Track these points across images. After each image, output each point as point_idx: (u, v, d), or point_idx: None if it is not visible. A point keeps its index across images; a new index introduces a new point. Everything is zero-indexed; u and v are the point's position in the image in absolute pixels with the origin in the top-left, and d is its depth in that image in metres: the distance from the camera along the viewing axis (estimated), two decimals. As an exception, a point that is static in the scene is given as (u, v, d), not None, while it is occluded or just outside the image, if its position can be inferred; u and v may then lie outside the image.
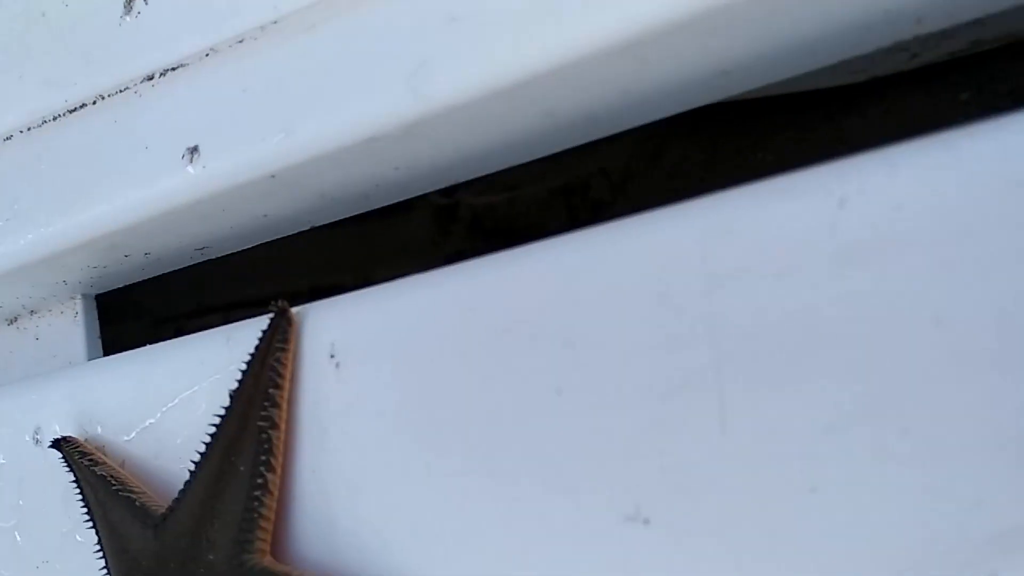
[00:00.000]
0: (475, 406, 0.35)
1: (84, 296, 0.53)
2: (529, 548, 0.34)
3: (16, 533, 0.48)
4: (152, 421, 0.43)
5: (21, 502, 0.48)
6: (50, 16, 0.48)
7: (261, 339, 0.39)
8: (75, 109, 0.47)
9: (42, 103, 0.49)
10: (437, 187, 0.44)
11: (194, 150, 0.42)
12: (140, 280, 0.52)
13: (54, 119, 0.48)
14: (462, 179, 0.44)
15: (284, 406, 0.39)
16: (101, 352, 0.54)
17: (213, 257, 0.49)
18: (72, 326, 0.53)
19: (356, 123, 0.38)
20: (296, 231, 0.48)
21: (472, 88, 0.36)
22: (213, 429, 0.38)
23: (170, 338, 0.67)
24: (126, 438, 0.44)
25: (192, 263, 0.49)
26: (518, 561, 0.34)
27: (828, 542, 0.29)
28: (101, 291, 0.53)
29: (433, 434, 0.36)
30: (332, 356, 0.38)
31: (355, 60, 0.38)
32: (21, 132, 0.49)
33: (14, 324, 0.57)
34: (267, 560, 0.37)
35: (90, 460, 0.44)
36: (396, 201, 0.45)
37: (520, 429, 0.34)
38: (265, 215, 0.45)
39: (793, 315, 0.30)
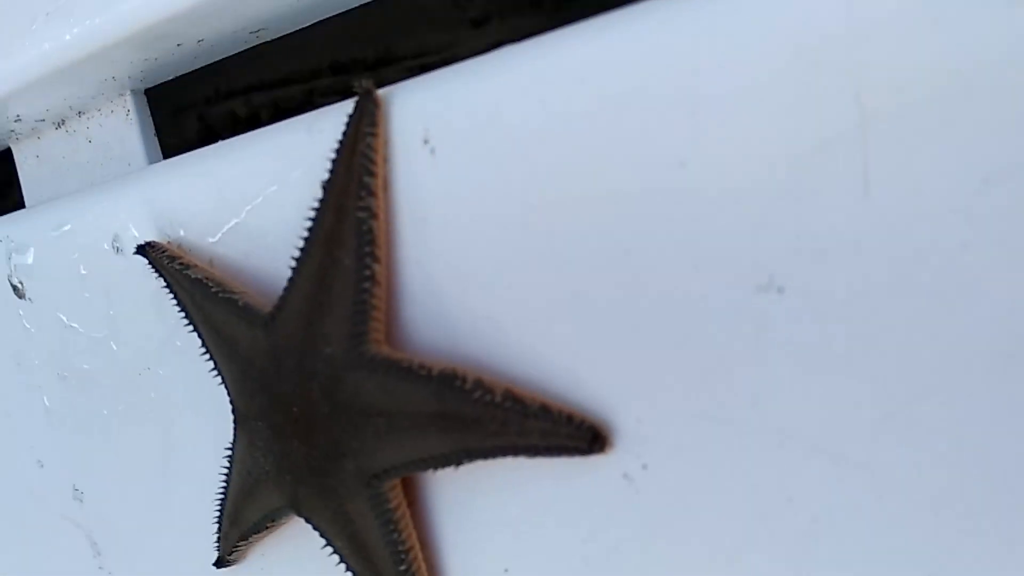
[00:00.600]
0: (587, 186, 0.33)
1: (134, 92, 0.49)
2: (654, 325, 0.33)
3: (112, 343, 0.48)
4: (237, 220, 0.42)
5: (111, 312, 0.48)
6: None
7: (348, 125, 0.36)
8: None
9: None
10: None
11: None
12: (189, 71, 0.49)
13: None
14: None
15: (381, 195, 0.37)
16: (159, 150, 0.51)
17: (269, 39, 0.45)
18: (125, 125, 0.51)
19: None
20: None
21: None
22: (309, 223, 0.37)
23: (194, 127, 0.64)
24: (211, 240, 0.43)
25: (246, 47, 0.45)
26: (641, 339, 0.33)
27: (977, 300, 0.28)
28: (150, 85, 0.50)
29: (540, 220, 0.34)
30: (426, 141, 0.36)
31: None
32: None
33: (62, 128, 0.54)
34: (384, 349, 0.37)
35: (180, 264, 0.43)
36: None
37: (639, 205, 0.32)
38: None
39: (941, 69, 0.27)
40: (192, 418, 0.46)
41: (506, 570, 0.38)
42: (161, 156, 0.51)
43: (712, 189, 0.31)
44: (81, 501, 0.52)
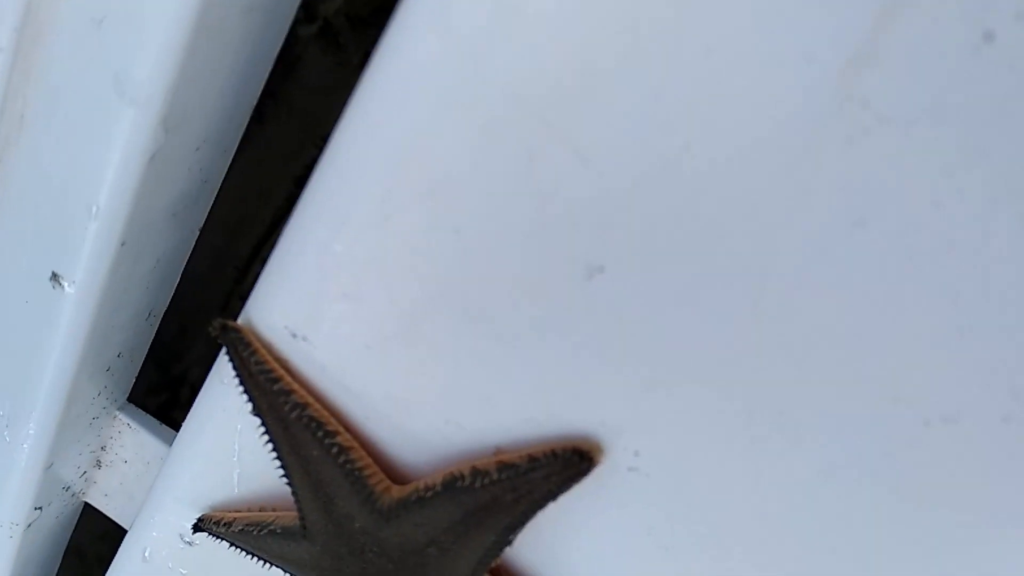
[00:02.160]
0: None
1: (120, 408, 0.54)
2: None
3: None
4: (239, 471, 0.45)
5: None
6: None
7: (231, 361, 0.39)
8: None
9: None
10: None
11: None
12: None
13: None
14: None
15: (296, 385, 0.40)
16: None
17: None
18: (135, 434, 0.56)
19: None
20: None
21: None
22: (270, 446, 0.40)
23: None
24: (236, 492, 0.47)
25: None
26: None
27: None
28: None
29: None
30: (294, 336, 0.38)
31: None
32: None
33: (102, 466, 0.60)
34: (394, 492, 0.40)
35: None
36: None
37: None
38: None
39: None
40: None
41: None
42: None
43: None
44: None
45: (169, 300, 0.49)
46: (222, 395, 0.43)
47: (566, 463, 0.36)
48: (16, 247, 0.44)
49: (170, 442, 0.55)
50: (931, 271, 0.28)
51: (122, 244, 0.40)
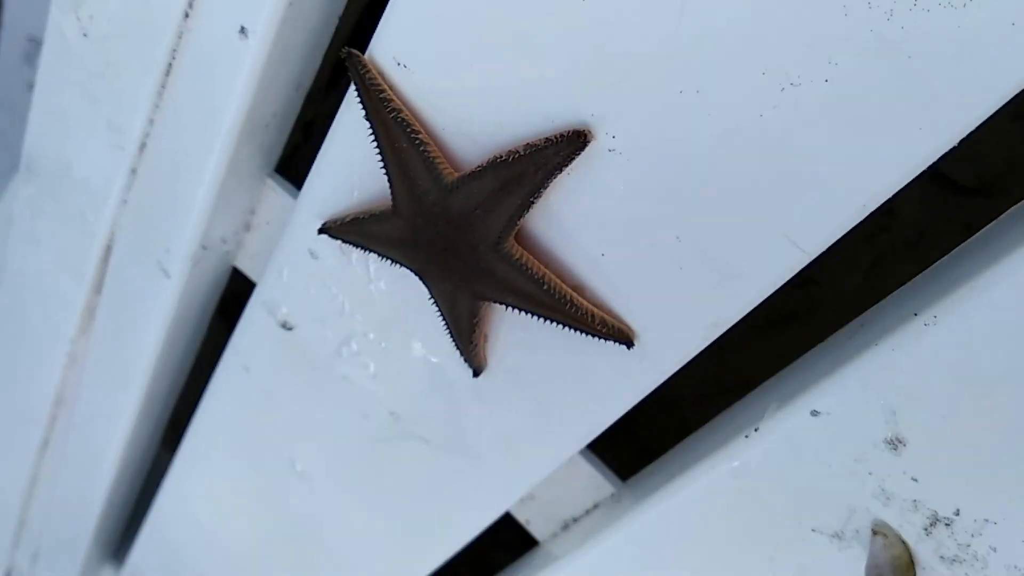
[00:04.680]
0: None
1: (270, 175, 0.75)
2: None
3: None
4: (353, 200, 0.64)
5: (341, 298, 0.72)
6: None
7: (352, 79, 0.58)
8: None
9: None
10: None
11: None
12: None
13: None
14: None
15: (394, 97, 0.58)
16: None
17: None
18: (279, 197, 0.76)
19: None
20: None
21: None
22: (376, 150, 0.59)
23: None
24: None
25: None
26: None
27: None
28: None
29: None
30: (398, 64, 0.57)
31: None
32: None
33: (247, 230, 0.80)
34: (455, 173, 0.58)
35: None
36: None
37: None
38: None
39: None
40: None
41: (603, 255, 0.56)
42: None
43: None
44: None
45: (313, 79, 0.69)
46: (345, 130, 0.63)
47: (570, 140, 0.53)
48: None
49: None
50: None
51: (290, 4, 0.60)
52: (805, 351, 0.60)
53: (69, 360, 1.00)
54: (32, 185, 0.83)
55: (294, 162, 0.79)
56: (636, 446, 0.82)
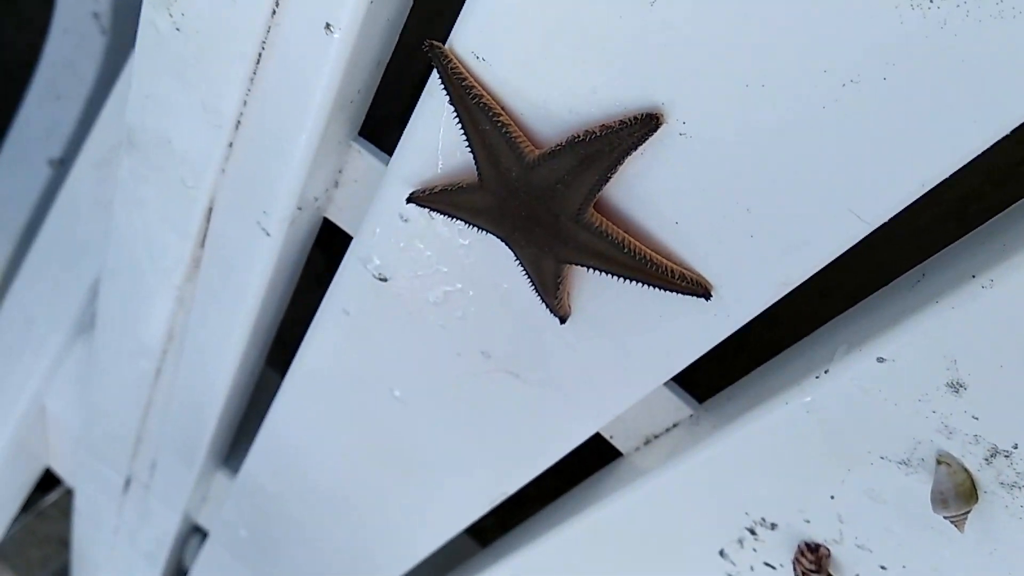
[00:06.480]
0: None
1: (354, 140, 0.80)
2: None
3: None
4: (439, 172, 0.69)
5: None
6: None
7: (437, 70, 0.62)
8: None
9: None
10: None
11: None
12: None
13: None
14: None
15: (476, 84, 0.62)
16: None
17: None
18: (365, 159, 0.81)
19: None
20: None
21: None
22: (461, 132, 0.63)
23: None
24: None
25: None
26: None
27: None
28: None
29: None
30: (477, 57, 0.61)
31: None
32: None
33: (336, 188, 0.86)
34: (536, 151, 0.62)
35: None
36: None
37: None
38: None
39: None
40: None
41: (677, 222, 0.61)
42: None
43: None
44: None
45: (391, 53, 0.73)
46: (429, 109, 0.67)
47: (644, 123, 0.57)
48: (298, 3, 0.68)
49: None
50: None
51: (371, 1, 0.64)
52: (871, 292, 0.65)
53: (177, 302, 1.09)
54: (134, 157, 0.89)
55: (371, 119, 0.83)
56: (709, 369, 0.88)
